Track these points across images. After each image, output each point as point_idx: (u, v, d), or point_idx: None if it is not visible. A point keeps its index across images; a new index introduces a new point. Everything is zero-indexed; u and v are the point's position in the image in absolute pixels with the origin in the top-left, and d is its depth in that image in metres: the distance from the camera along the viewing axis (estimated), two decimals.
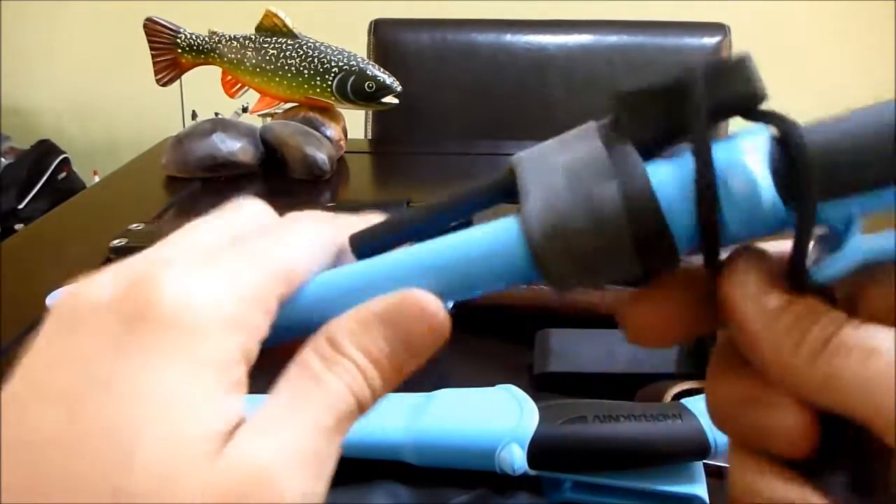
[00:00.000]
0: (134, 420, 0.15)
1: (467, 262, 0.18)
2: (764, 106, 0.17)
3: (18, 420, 0.15)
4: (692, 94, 0.17)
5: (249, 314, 0.17)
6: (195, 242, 0.19)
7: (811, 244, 0.16)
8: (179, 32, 0.78)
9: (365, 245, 0.19)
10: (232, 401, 0.16)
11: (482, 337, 0.43)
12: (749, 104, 0.17)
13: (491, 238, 0.18)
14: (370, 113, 1.12)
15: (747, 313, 0.16)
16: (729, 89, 0.17)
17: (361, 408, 0.17)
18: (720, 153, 0.16)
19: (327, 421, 0.16)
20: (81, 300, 0.17)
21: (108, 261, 0.62)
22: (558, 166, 0.17)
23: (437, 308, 0.18)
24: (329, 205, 0.67)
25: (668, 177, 0.17)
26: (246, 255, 0.18)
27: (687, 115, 0.17)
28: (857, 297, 0.17)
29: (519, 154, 0.19)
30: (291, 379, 0.17)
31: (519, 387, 0.33)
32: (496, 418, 0.31)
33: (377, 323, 0.17)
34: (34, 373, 0.16)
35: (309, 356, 0.17)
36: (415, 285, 0.18)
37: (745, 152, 0.17)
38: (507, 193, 0.19)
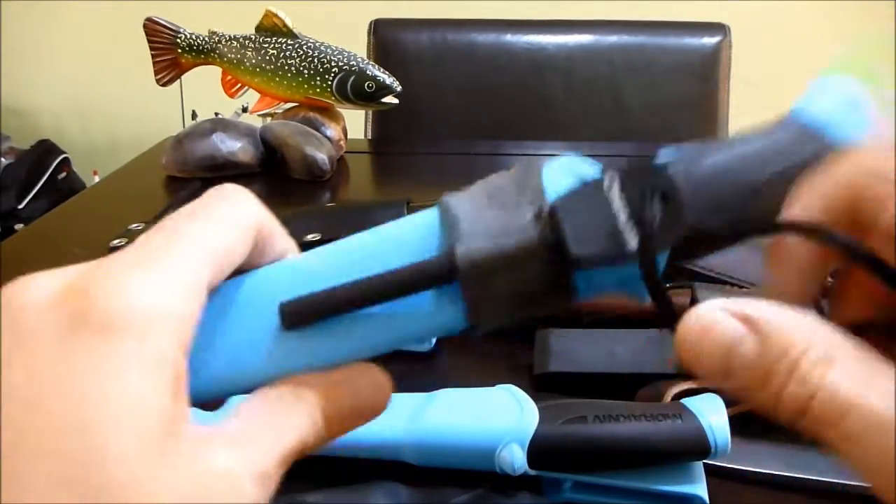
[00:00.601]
0: (87, 423, 0.15)
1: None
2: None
3: None
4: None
5: (183, 306, 0.17)
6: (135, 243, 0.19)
7: None
8: (179, 32, 0.78)
9: (296, 319, 0.20)
10: (177, 397, 0.16)
11: (482, 337, 0.43)
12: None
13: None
14: (370, 113, 1.12)
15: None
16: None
17: (306, 448, 0.19)
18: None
19: (283, 453, 0.18)
20: (22, 300, 0.17)
21: None
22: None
23: (388, 385, 0.20)
24: (329, 205, 0.67)
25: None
26: (175, 242, 0.18)
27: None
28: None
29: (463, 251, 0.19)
30: (259, 404, 0.19)
31: (519, 387, 0.33)
32: (496, 418, 0.31)
33: (337, 387, 0.20)
34: None
35: (273, 398, 0.19)
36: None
37: None
38: (445, 281, 0.20)
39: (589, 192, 0.19)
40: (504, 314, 0.19)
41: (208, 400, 0.20)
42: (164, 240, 0.18)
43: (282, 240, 0.22)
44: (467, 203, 0.20)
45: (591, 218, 0.19)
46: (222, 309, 0.20)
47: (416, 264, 0.19)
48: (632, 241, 0.18)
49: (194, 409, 0.20)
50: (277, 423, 0.18)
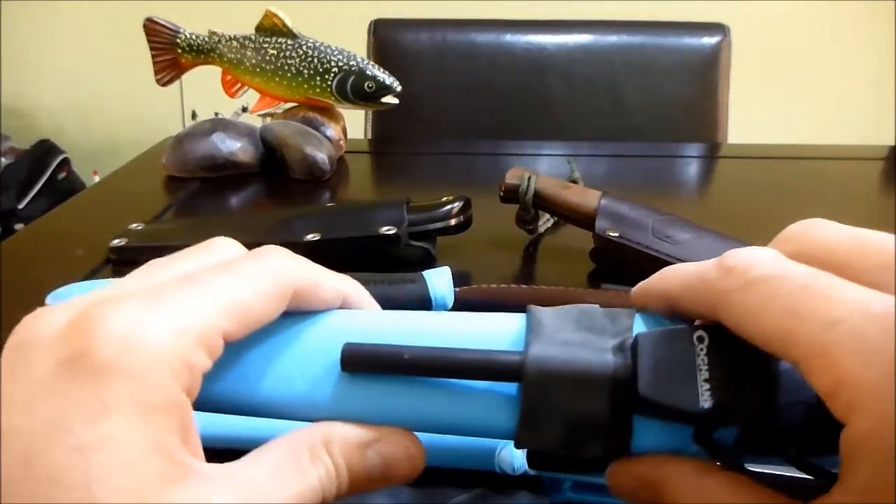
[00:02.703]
0: (82, 472, 0.15)
1: (451, 435, 0.21)
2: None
3: None
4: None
5: (191, 352, 0.17)
6: (147, 279, 0.19)
7: None
8: (179, 32, 0.78)
9: (356, 363, 0.20)
10: (178, 446, 0.16)
11: None
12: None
13: (480, 433, 0.20)
14: (370, 113, 1.12)
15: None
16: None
17: (324, 502, 0.19)
18: None
19: None
20: (30, 335, 0.17)
21: (108, 261, 0.61)
22: (560, 415, 0.19)
23: (421, 458, 0.21)
24: (329, 205, 0.67)
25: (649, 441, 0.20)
26: (192, 289, 0.18)
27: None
28: None
29: (532, 358, 0.19)
30: (281, 450, 0.18)
31: None
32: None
33: (370, 447, 0.20)
34: None
35: (302, 443, 0.19)
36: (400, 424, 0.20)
37: None
38: (509, 378, 0.20)
39: (677, 339, 0.18)
40: (554, 434, 0.19)
41: (240, 413, 0.20)
42: (180, 284, 0.18)
43: (327, 293, 0.21)
44: (554, 316, 0.20)
45: (671, 365, 0.18)
46: (282, 335, 0.21)
47: (488, 351, 0.19)
48: (706, 401, 0.17)
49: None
50: (295, 475, 0.18)
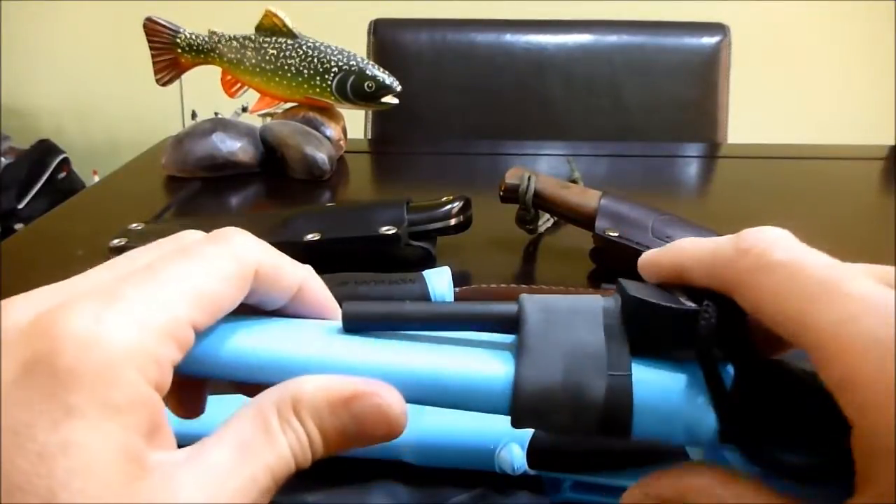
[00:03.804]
0: (46, 478, 0.15)
1: (447, 389, 0.19)
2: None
3: None
4: (701, 339, 0.19)
5: (158, 346, 0.17)
6: (111, 271, 0.19)
7: None
8: (179, 32, 0.78)
9: (356, 323, 0.20)
10: (142, 444, 0.16)
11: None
12: (743, 354, 0.19)
13: (479, 378, 0.19)
14: (370, 113, 1.12)
15: None
16: (727, 336, 0.19)
17: (297, 468, 0.18)
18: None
19: (266, 482, 0.17)
20: None
21: None
22: (559, 346, 0.19)
23: (400, 412, 0.19)
24: (329, 205, 0.67)
25: (651, 380, 0.19)
26: (154, 280, 0.17)
27: (696, 345, 0.19)
28: None
29: (528, 299, 0.21)
30: (245, 423, 0.18)
31: None
32: (496, 418, 0.31)
33: (341, 405, 0.18)
34: None
35: (269, 409, 0.18)
36: (392, 383, 0.19)
37: None
38: (507, 327, 0.20)
39: (660, 288, 0.20)
40: (554, 369, 0.19)
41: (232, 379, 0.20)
42: (142, 277, 0.18)
43: (289, 276, 0.21)
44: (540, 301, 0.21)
45: (654, 291, 0.20)
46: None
47: (487, 304, 0.20)
48: (689, 305, 0.19)
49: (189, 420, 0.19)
50: (263, 448, 0.17)
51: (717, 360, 0.18)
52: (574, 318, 0.20)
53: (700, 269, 0.20)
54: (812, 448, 0.17)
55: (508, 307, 0.20)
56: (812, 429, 0.17)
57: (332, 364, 0.19)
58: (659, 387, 0.19)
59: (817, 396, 0.17)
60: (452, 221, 0.53)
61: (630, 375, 0.19)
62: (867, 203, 0.73)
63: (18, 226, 1.76)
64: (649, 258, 0.22)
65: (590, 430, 0.19)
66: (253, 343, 0.20)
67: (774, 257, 0.17)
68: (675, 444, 0.19)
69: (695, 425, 0.19)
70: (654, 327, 0.19)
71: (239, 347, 0.20)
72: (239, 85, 0.79)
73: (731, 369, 0.19)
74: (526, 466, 0.30)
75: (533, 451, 0.30)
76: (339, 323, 0.21)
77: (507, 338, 0.21)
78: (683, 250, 0.20)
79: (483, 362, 0.20)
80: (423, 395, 0.19)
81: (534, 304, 0.20)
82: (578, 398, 0.19)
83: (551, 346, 0.19)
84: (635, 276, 0.22)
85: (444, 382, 0.19)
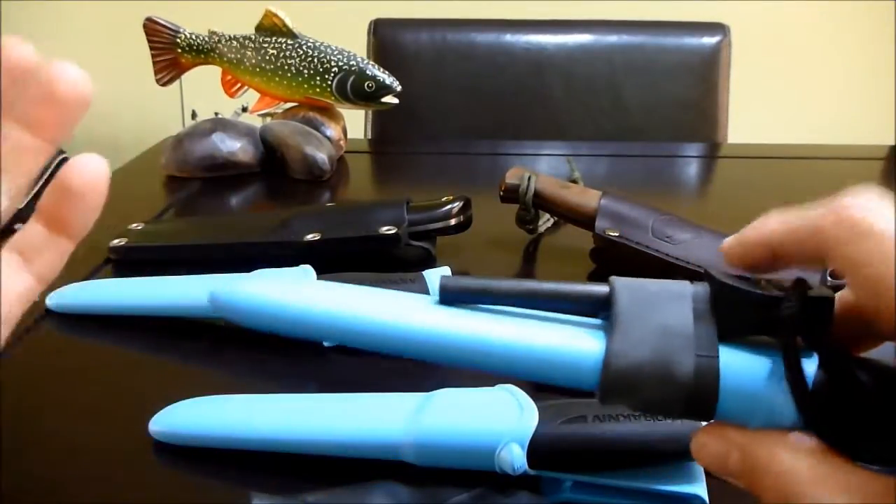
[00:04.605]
0: None
1: (539, 360, 0.21)
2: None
3: None
4: (785, 325, 0.19)
5: None
6: None
7: None
8: (179, 32, 0.78)
9: (453, 294, 0.21)
10: None
11: None
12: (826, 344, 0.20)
13: (571, 352, 0.20)
14: (370, 113, 1.12)
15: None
16: (811, 326, 0.19)
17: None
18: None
19: None
20: None
21: (108, 261, 0.61)
22: (651, 324, 0.20)
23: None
24: (329, 205, 0.67)
25: (737, 364, 0.20)
26: None
27: (779, 333, 0.20)
28: None
29: (619, 280, 0.21)
30: None
31: (519, 387, 0.33)
32: (496, 418, 0.31)
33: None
34: None
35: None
36: (487, 352, 0.21)
37: None
38: (598, 307, 0.21)
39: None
40: (644, 347, 0.20)
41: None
42: None
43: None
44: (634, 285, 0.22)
45: (738, 278, 0.21)
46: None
47: (579, 283, 0.21)
48: (771, 292, 0.20)
49: None
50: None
51: (799, 349, 0.19)
52: (664, 300, 0.20)
53: (791, 238, 0.20)
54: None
55: (600, 287, 0.21)
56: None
57: (436, 332, 0.21)
58: (745, 371, 0.19)
59: None
60: (452, 221, 0.53)
61: (717, 357, 0.19)
62: None
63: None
64: (733, 239, 0.22)
65: (674, 410, 0.20)
66: (358, 310, 0.21)
67: (866, 227, 0.18)
68: (753, 427, 0.20)
69: (776, 411, 0.19)
70: (741, 313, 0.20)
71: (344, 314, 0.21)
72: (239, 85, 0.79)
73: (814, 359, 0.19)
74: (526, 466, 0.30)
75: (533, 451, 0.30)
76: (425, 296, 0.22)
77: (593, 321, 0.22)
78: (770, 224, 0.21)
79: (575, 337, 0.21)
80: (515, 365, 0.21)
81: (625, 285, 0.21)
82: (667, 376, 0.19)
83: (642, 325, 0.20)
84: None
85: (536, 354, 0.20)
